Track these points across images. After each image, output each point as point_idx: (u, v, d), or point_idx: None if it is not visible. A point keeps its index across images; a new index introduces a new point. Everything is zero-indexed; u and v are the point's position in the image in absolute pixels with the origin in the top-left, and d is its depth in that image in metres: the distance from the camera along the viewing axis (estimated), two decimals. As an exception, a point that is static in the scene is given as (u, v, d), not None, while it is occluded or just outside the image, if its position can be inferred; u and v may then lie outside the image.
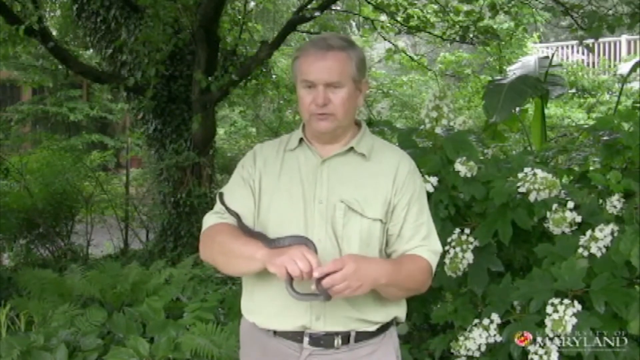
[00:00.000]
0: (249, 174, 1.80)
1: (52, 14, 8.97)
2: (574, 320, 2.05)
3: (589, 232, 2.23)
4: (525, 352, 2.18)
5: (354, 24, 10.80)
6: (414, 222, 1.75)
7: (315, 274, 1.51)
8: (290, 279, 1.54)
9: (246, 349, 1.86)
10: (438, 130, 2.64)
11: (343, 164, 1.76)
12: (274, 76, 7.13)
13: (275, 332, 1.75)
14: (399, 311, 1.80)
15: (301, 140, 1.80)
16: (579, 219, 2.30)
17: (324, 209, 1.70)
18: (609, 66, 12.77)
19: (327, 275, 1.51)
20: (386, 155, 1.79)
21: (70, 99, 13.18)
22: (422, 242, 1.75)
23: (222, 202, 1.76)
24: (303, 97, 1.72)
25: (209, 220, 1.80)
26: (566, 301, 2.08)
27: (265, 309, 1.75)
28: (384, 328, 1.78)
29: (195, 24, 5.74)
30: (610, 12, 5.39)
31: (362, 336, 1.74)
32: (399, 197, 1.74)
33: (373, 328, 1.75)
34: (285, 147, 1.81)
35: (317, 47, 1.70)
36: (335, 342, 1.71)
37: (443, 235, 2.42)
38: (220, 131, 10.68)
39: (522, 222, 2.36)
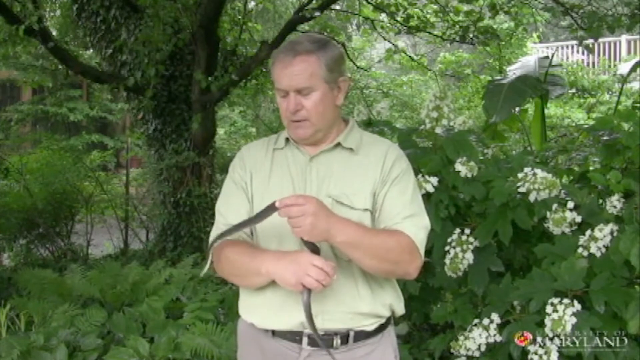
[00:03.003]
0: (240, 177, 1.80)
1: (52, 14, 8.96)
2: (574, 320, 2.05)
3: (588, 232, 2.23)
4: (525, 352, 2.18)
5: (354, 23, 10.80)
6: (395, 199, 1.72)
7: (277, 204, 1.53)
8: (309, 290, 1.56)
9: (244, 350, 1.85)
10: (438, 130, 2.64)
11: (331, 159, 1.76)
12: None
13: (274, 333, 1.75)
14: (394, 300, 1.79)
15: (287, 139, 1.80)
16: (579, 219, 2.31)
17: None
18: (609, 66, 12.77)
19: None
20: (374, 148, 1.79)
21: (70, 99, 13.19)
22: (404, 219, 1.70)
23: (222, 235, 1.74)
24: (280, 104, 1.74)
25: (214, 234, 1.79)
26: (566, 301, 2.08)
27: (263, 308, 1.74)
28: (382, 327, 1.78)
29: (195, 24, 5.74)
30: (610, 12, 5.39)
31: (360, 336, 1.74)
32: (384, 182, 1.73)
33: (371, 327, 1.75)
34: (274, 146, 1.82)
35: (285, 53, 1.70)
36: (335, 342, 1.71)
37: (443, 235, 2.43)
38: (220, 131, 10.68)
39: (522, 222, 2.36)
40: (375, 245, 1.64)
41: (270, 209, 1.57)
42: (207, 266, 1.72)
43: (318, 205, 1.55)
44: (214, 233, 1.80)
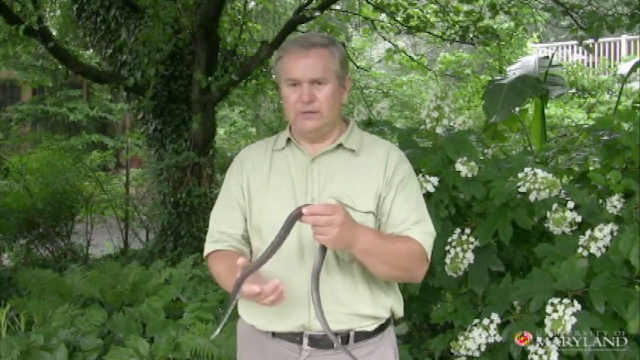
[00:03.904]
0: (236, 181, 1.81)
1: (52, 14, 8.96)
2: (574, 320, 2.05)
3: (588, 232, 2.23)
4: (525, 352, 2.18)
5: (354, 23, 10.80)
6: (402, 207, 1.73)
7: (304, 211, 1.52)
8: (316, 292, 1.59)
9: (244, 351, 1.86)
10: (438, 130, 2.64)
11: (333, 160, 1.76)
12: (273, 76, 7.11)
13: (274, 334, 1.75)
14: (394, 304, 1.79)
15: (289, 140, 1.80)
16: (579, 219, 2.31)
17: None
18: (609, 66, 12.77)
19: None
20: (375, 149, 1.79)
21: (70, 99, 13.21)
22: (412, 225, 1.72)
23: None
24: (288, 96, 1.72)
25: (206, 249, 1.84)
26: (566, 301, 2.08)
27: (264, 311, 1.73)
28: (382, 327, 1.78)
29: (195, 24, 5.74)
30: (610, 12, 5.39)
31: (361, 336, 1.74)
32: (388, 187, 1.74)
33: (371, 327, 1.75)
34: (273, 147, 1.81)
35: (300, 45, 1.70)
36: (335, 342, 1.71)
37: (443, 236, 2.43)
38: (220, 131, 10.68)
39: (522, 222, 2.36)
40: (390, 252, 1.66)
41: (296, 216, 1.55)
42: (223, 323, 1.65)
43: (345, 216, 1.55)
44: (209, 240, 1.83)
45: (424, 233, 1.73)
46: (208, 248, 1.83)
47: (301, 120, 1.72)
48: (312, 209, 1.52)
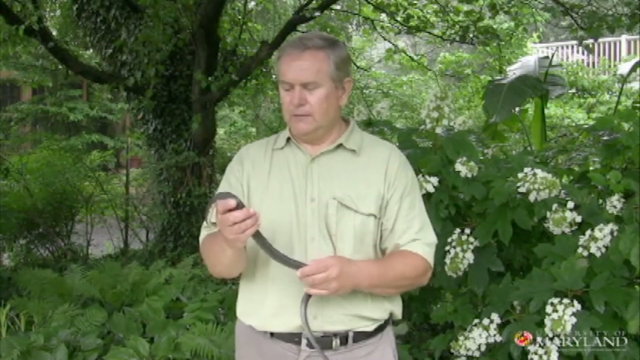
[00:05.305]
0: (237, 179, 1.80)
1: (52, 14, 8.96)
2: (574, 320, 2.05)
3: (588, 232, 2.23)
4: (525, 352, 2.18)
5: (354, 23, 10.81)
6: (406, 215, 1.74)
7: (298, 274, 1.55)
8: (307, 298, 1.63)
9: (242, 351, 1.85)
10: (438, 130, 2.64)
11: (333, 160, 1.75)
12: (273, 76, 7.12)
13: (272, 334, 1.75)
14: (394, 307, 1.80)
15: (289, 139, 1.79)
16: (579, 219, 2.30)
17: (316, 207, 1.70)
18: (609, 66, 12.77)
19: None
20: (376, 150, 1.79)
21: (70, 99, 13.18)
22: (415, 235, 1.74)
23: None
24: (283, 97, 1.73)
25: (201, 237, 1.82)
26: (566, 301, 2.08)
27: (262, 311, 1.74)
28: (381, 327, 1.78)
29: (195, 24, 5.74)
30: (610, 12, 5.39)
31: (360, 336, 1.74)
32: (391, 191, 1.74)
33: (370, 328, 1.75)
34: (273, 146, 1.80)
35: (294, 47, 1.70)
36: (334, 343, 1.71)
37: (443, 235, 2.43)
38: (220, 131, 10.68)
39: (522, 222, 2.36)
40: (394, 277, 1.70)
41: (292, 266, 1.59)
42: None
43: (340, 267, 1.57)
44: (204, 230, 1.80)
45: (427, 244, 1.75)
46: (203, 234, 1.79)
47: (294, 122, 1.72)
48: (305, 271, 1.55)
